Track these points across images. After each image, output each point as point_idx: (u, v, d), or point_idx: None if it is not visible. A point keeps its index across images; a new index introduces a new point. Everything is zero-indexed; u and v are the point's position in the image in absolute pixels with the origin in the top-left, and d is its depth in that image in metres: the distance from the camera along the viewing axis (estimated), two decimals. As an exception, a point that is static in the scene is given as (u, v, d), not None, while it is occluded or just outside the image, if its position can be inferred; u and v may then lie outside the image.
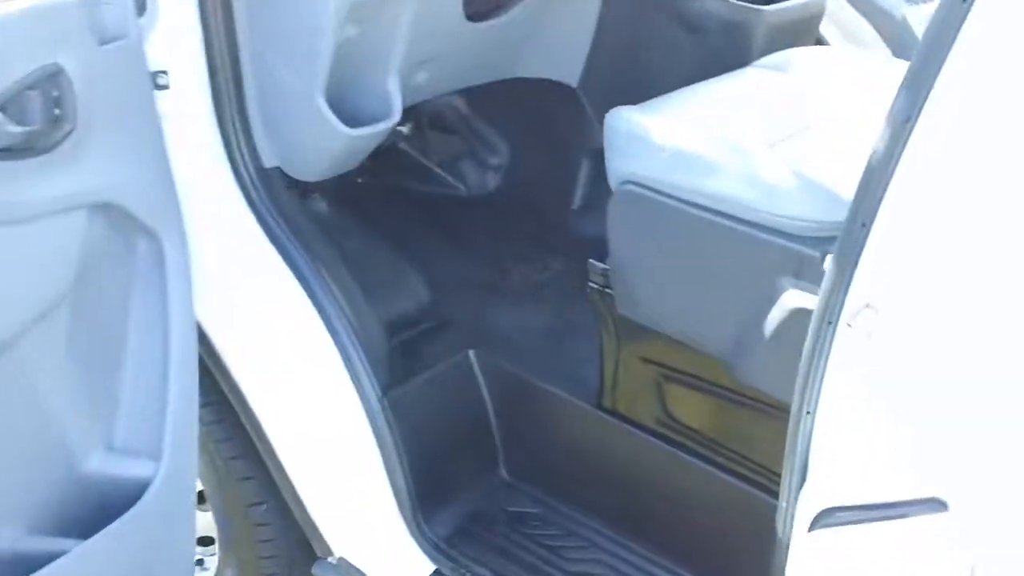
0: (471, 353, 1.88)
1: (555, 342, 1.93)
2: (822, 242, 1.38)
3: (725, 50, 2.14)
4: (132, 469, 1.33)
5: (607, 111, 2.33)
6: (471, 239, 2.30)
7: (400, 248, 2.17)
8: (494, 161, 2.46)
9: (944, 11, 0.96)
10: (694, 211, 1.48)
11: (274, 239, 1.73)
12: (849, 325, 1.07)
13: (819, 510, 1.12)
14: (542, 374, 1.83)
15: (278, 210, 1.74)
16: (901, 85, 1.01)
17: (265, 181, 1.72)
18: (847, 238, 1.09)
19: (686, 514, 1.68)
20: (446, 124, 2.42)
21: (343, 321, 1.73)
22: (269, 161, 1.74)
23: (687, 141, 1.50)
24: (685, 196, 1.49)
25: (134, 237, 1.37)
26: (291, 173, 1.76)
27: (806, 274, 1.38)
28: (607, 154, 1.61)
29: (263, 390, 1.78)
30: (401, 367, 1.83)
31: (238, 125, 1.66)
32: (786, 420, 1.50)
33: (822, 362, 1.13)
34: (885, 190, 1.04)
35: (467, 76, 2.15)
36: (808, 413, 1.17)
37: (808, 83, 1.78)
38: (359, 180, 2.21)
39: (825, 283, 1.12)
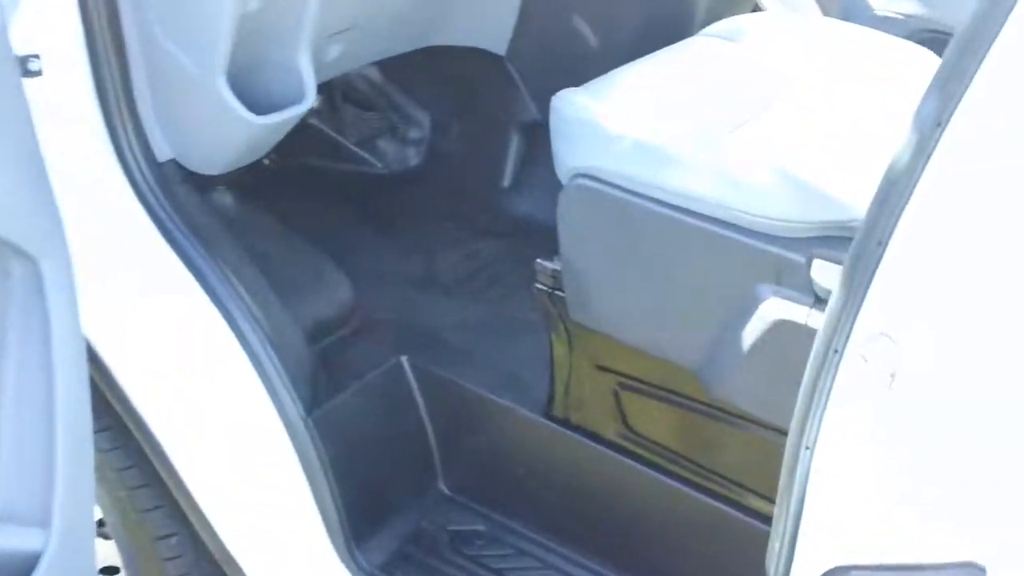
0: (403, 359, 1.70)
1: (495, 342, 1.76)
2: (805, 244, 1.24)
3: (664, 18, 1.98)
4: (16, 541, 1.11)
5: (537, 81, 2.16)
6: (393, 223, 2.11)
7: (317, 239, 1.97)
8: (415, 135, 2.25)
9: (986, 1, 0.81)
10: (656, 208, 1.31)
11: (172, 242, 1.51)
12: (865, 360, 0.92)
13: (830, 567, 0.98)
14: (484, 380, 1.66)
15: (176, 209, 1.52)
16: (930, 85, 0.86)
17: (159, 177, 1.50)
18: (859, 257, 0.94)
19: (646, 531, 1.54)
20: (361, 97, 2.20)
21: (256, 331, 1.53)
22: (163, 154, 1.51)
23: (646, 129, 1.33)
24: (646, 191, 1.32)
25: (5, 262, 1.15)
26: (189, 167, 1.54)
27: (788, 280, 1.24)
28: (554, 143, 1.43)
29: (166, 413, 1.57)
30: (326, 380, 1.64)
31: (125, 115, 1.43)
32: (759, 432, 1.38)
33: (825, 394, 0.99)
34: (907, 203, 0.89)
35: (386, 46, 1.94)
36: (807, 448, 1.02)
37: (760, 54, 1.62)
38: (266, 162, 1.98)
39: (831, 307, 0.97)
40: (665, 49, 1.64)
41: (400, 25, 1.89)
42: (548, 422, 1.59)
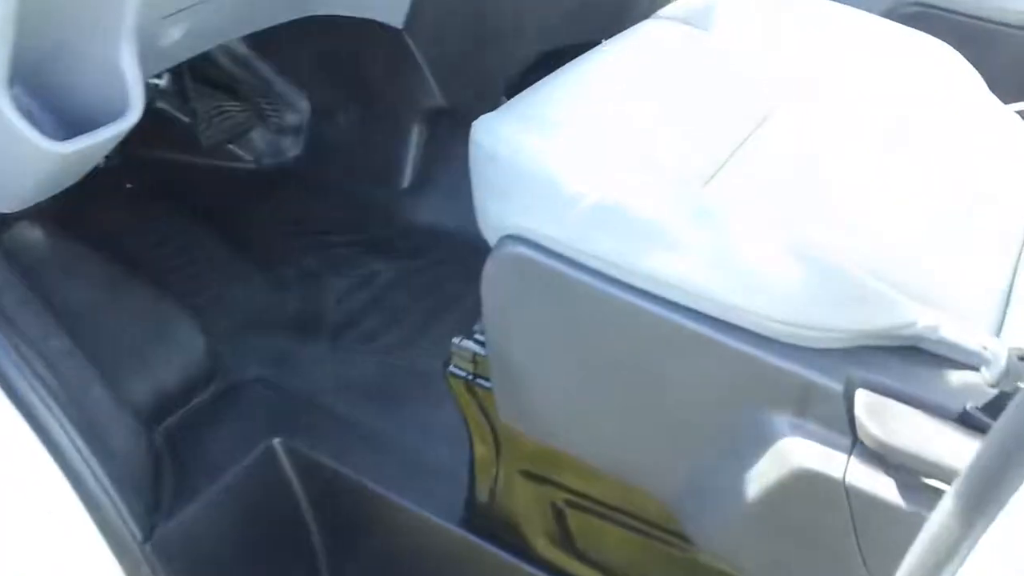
0: (276, 443, 1.31)
1: (399, 411, 1.37)
2: (835, 360, 0.89)
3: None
4: None
5: (443, 60, 1.74)
6: (265, 239, 1.69)
7: (164, 271, 1.54)
8: (291, 121, 1.83)
9: None
10: (623, 295, 0.94)
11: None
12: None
13: None
14: (384, 471, 1.28)
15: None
16: None
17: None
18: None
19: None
20: (223, 75, 1.75)
21: (66, 430, 1.12)
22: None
23: (609, 185, 0.95)
24: (608, 270, 0.94)
25: None
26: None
27: (814, 409, 0.88)
28: (477, 189, 1.03)
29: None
30: (173, 481, 1.24)
31: None
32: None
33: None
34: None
35: (249, 20, 1.49)
36: None
37: (737, 46, 1.26)
38: (97, 165, 1.54)
39: (946, 512, 0.62)
40: (615, 41, 1.24)
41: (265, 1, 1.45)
42: (467, 534, 1.22)
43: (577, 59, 1.19)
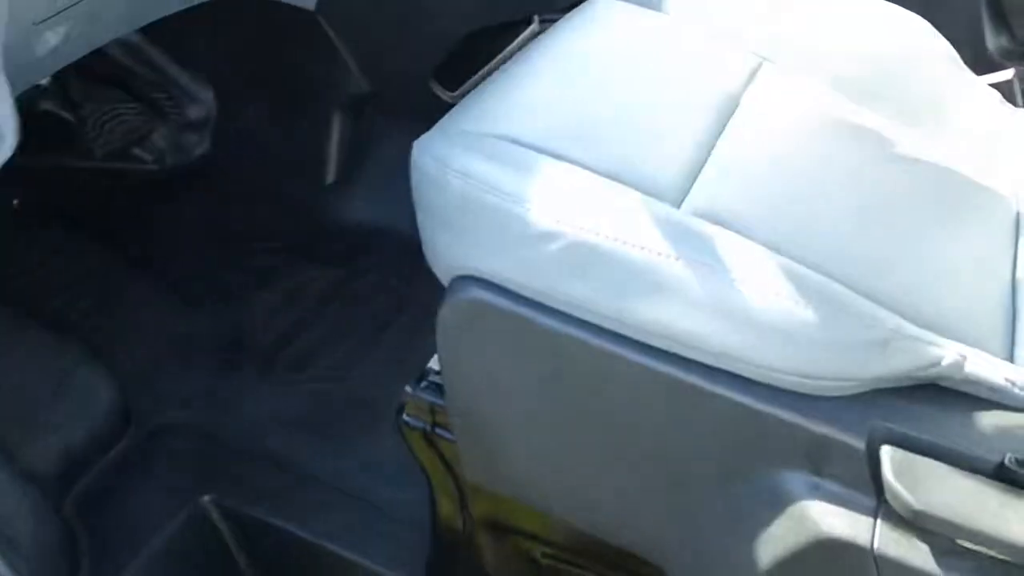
0: (206, 500, 1.16)
1: (342, 452, 1.23)
2: (854, 411, 0.77)
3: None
4: None
5: (364, 42, 1.57)
6: (176, 252, 1.51)
7: (63, 301, 1.37)
8: (195, 115, 1.64)
9: None
10: (603, 345, 0.81)
11: None
12: None
13: None
14: (331, 525, 1.15)
15: None
16: None
17: None
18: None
19: None
20: (112, 69, 1.56)
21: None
22: None
23: (580, 222, 0.80)
24: (586, 317, 0.81)
25: None
26: None
27: (831, 467, 0.77)
28: (422, 217, 0.89)
29: None
30: (88, 558, 1.09)
31: None
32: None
33: None
34: None
35: (138, 13, 1.30)
36: None
37: (689, 26, 1.12)
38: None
39: None
40: (560, 29, 1.09)
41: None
42: (431, 590, 1.10)
43: (521, 53, 1.05)
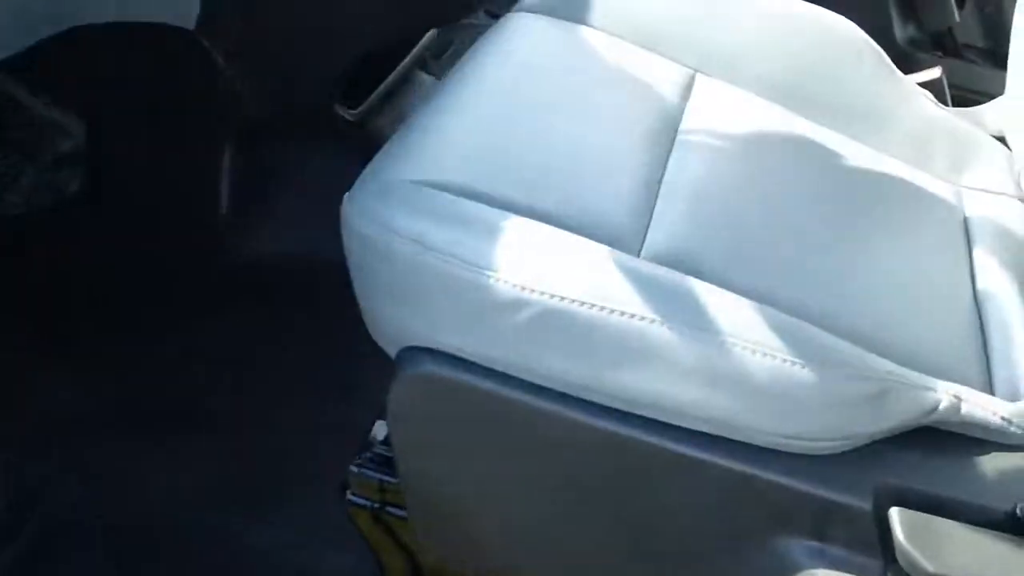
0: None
1: (275, 519, 1.12)
2: (854, 468, 0.72)
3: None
4: None
5: (251, 60, 1.44)
6: (45, 306, 1.36)
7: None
8: (65, 148, 1.48)
9: None
10: (581, 417, 0.73)
11: None
12: None
13: None
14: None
15: None
16: None
17: None
18: None
19: None
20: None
21: None
22: None
23: (542, 286, 0.72)
24: (558, 387, 0.73)
25: None
26: None
27: (833, 529, 0.72)
28: (360, 284, 0.79)
29: None
30: None
31: None
32: None
33: None
34: None
35: (2, 41, 1.15)
36: None
37: (617, 40, 1.05)
38: None
39: None
40: (484, 51, 0.99)
41: (15, 15, 1.12)
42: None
43: (444, 84, 0.95)
